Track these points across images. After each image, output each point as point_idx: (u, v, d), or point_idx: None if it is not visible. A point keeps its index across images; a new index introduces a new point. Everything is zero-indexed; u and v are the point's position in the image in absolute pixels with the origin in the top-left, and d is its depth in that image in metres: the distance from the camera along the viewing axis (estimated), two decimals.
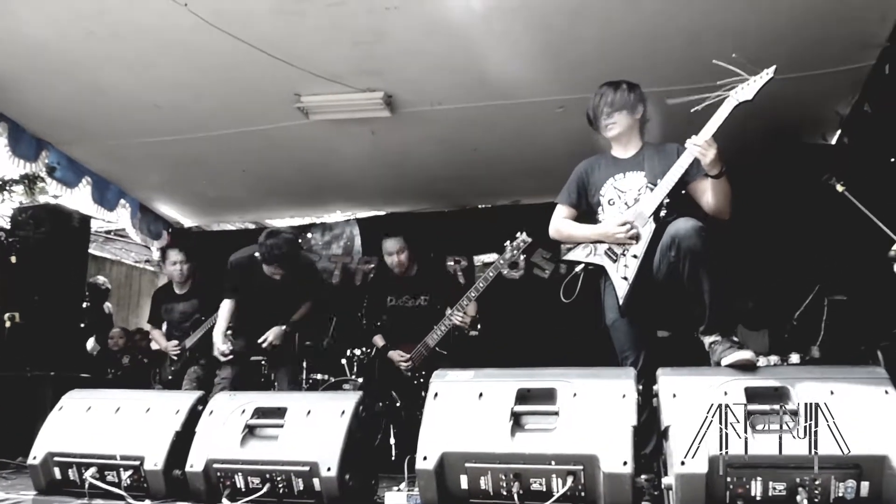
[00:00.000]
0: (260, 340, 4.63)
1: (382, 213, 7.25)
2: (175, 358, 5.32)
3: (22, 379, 4.90)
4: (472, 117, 5.20)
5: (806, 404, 2.37)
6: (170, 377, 5.33)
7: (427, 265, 5.45)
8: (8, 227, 5.34)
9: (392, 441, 4.69)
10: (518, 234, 4.68)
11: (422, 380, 4.80)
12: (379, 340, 5.07)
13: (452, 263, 6.82)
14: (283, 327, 4.68)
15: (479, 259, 6.79)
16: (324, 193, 6.85)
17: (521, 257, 4.81)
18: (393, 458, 4.50)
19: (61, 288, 5.40)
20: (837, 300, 4.17)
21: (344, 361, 5.49)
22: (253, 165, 6.09)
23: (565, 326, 6.17)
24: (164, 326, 5.63)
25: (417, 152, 5.81)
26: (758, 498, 2.30)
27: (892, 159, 3.92)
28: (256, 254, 4.51)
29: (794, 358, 4.00)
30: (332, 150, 5.78)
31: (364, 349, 5.45)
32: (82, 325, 5.93)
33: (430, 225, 6.83)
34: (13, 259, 5.09)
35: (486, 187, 6.58)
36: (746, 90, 2.92)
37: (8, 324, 4.99)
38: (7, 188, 5.03)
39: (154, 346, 5.95)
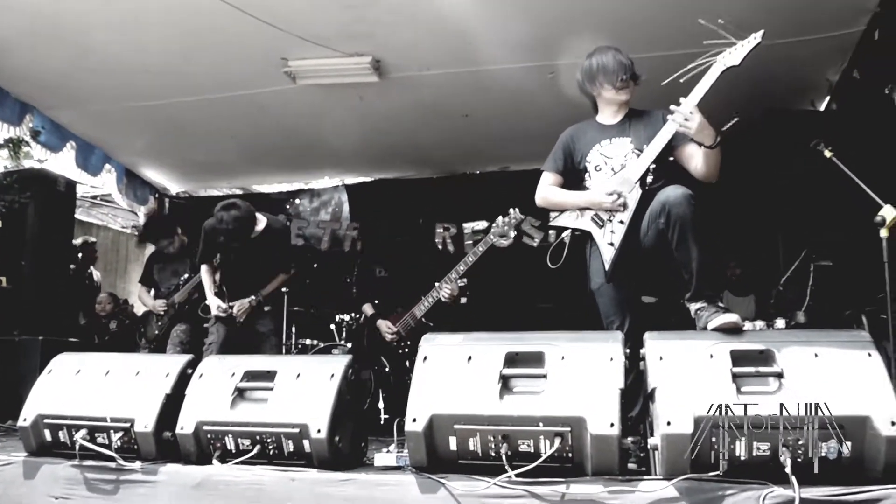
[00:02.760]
0: (232, 310, 4.58)
1: (371, 178, 7.21)
2: (162, 313, 5.31)
3: (10, 343, 4.89)
4: (462, 83, 5.18)
5: (790, 366, 2.42)
6: (156, 332, 5.35)
7: (417, 236, 5.46)
8: None
9: (381, 405, 4.74)
10: (511, 210, 4.68)
11: (407, 350, 4.85)
12: (368, 309, 5.10)
13: (441, 230, 6.83)
14: (251, 299, 4.60)
15: (469, 226, 6.80)
16: (312, 159, 6.82)
17: (513, 232, 4.81)
18: (382, 423, 4.55)
19: (49, 252, 5.38)
20: (823, 266, 4.21)
21: (333, 327, 5.51)
22: (241, 131, 6.05)
23: (554, 293, 6.25)
24: (153, 291, 5.64)
25: (406, 118, 5.78)
26: (742, 458, 2.32)
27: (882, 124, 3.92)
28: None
29: (780, 323, 4.05)
30: (319, 116, 5.74)
31: (353, 315, 5.48)
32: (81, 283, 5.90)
33: (419, 191, 6.84)
34: None
35: (475, 154, 6.57)
36: (734, 55, 2.91)
37: None
38: None
39: (139, 308, 5.95)
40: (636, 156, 3.13)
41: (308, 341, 5.54)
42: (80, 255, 6.53)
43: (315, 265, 5.48)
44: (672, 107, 2.96)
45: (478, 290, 5.51)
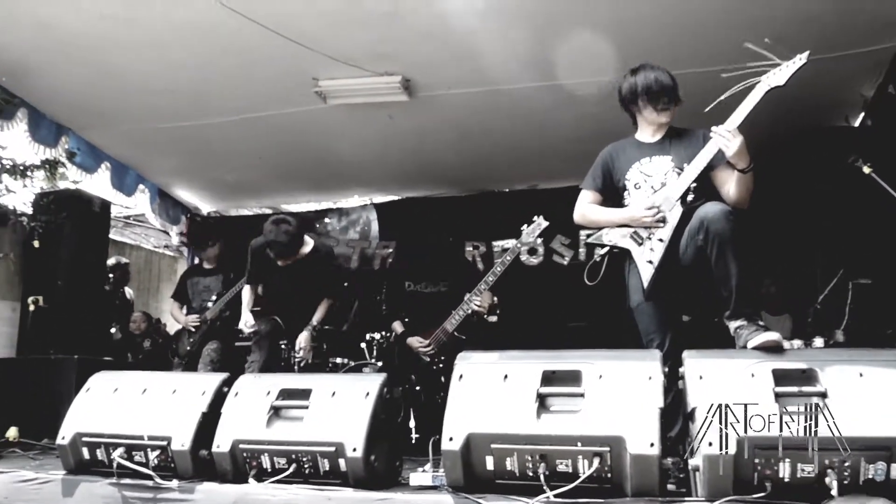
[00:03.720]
0: (296, 351, 4.67)
1: (400, 197, 7.23)
2: (193, 330, 5.35)
3: (46, 362, 4.95)
4: (488, 101, 5.20)
5: (834, 385, 2.37)
6: (188, 348, 5.38)
7: (446, 251, 5.45)
8: (30, 212, 5.37)
9: (412, 424, 4.71)
10: (535, 218, 4.67)
11: (441, 365, 4.83)
12: (398, 327, 5.10)
13: (471, 249, 6.82)
14: (310, 332, 4.70)
15: (498, 245, 6.79)
16: (340, 178, 6.86)
17: (539, 241, 4.80)
18: (413, 442, 4.53)
19: (83, 272, 5.45)
20: (862, 283, 4.14)
21: (363, 345, 5.49)
22: (270, 151, 6.10)
23: (586, 312, 6.20)
24: (185, 308, 5.68)
25: (435, 137, 5.80)
26: (786, 480, 2.28)
27: None
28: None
29: (819, 342, 3.97)
30: (349, 135, 5.78)
31: (383, 333, 5.47)
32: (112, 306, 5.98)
33: (448, 210, 6.85)
34: (36, 244, 5.14)
35: (503, 172, 6.56)
36: (778, 75, 2.89)
37: (32, 307, 5.05)
38: (28, 173, 5.05)
39: (172, 328, 5.99)
40: (676, 174, 3.12)
41: (339, 360, 5.52)
42: (111, 275, 6.60)
43: (346, 283, 5.49)
44: (713, 128, 2.95)
45: (509, 308, 5.48)
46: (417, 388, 4.88)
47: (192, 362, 5.25)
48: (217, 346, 5.28)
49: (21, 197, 5.32)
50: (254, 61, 4.74)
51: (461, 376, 2.70)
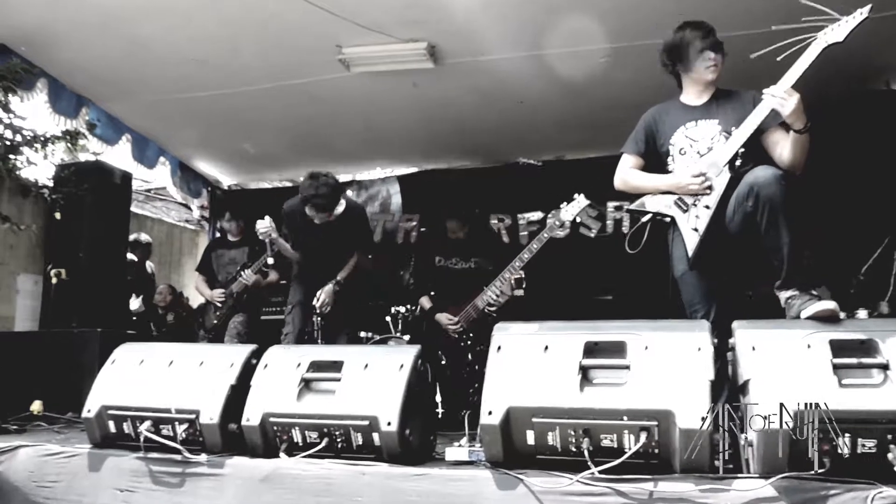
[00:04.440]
0: (314, 303, 4.57)
1: (423, 169, 7.09)
2: (220, 304, 5.28)
3: (68, 335, 4.90)
4: (517, 69, 5.04)
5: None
6: (214, 322, 5.29)
7: (477, 227, 5.35)
8: (51, 184, 5.30)
9: (438, 399, 4.64)
10: (576, 196, 4.54)
11: (469, 342, 4.75)
12: (426, 302, 5.01)
13: (496, 222, 6.69)
14: (333, 285, 4.59)
15: (524, 217, 6.64)
16: (364, 149, 6.73)
17: (569, 221, 4.67)
18: (439, 417, 4.45)
19: (105, 245, 5.39)
20: None
21: (388, 319, 5.41)
22: (293, 121, 6.00)
23: (612, 285, 6.08)
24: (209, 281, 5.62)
25: (460, 105, 5.66)
26: (845, 455, 2.16)
27: None
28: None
29: (862, 314, 3.82)
30: (372, 104, 5.66)
31: (409, 306, 5.38)
32: (128, 280, 5.92)
33: (473, 182, 6.71)
34: (58, 216, 5.08)
35: (529, 142, 6.40)
36: (837, 31, 2.70)
37: (54, 280, 4.99)
38: (49, 144, 4.97)
39: (195, 301, 5.92)
40: (724, 138, 2.97)
41: (363, 334, 5.44)
42: (132, 253, 6.54)
43: (370, 256, 5.39)
44: (766, 90, 2.78)
45: (535, 281, 5.37)
46: (443, 362, 4.80)
47: (218, 335, 5.17)
48: (244, 319, 5.19)
49: (42, 169, 5.25)
50: (278, 29, 4.62)
51: (499, 348, 2.60)
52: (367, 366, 2.75)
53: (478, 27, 4.57)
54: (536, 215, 6.58)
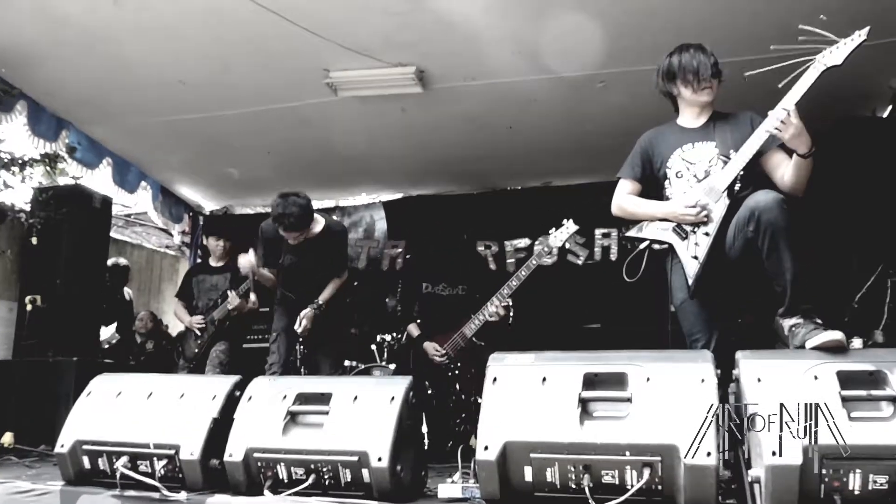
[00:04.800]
0: (295, 327, 4.42)
1: (409, 194, 7.01)
2: (199, 332, 5.13)
3: (44, 364, 4.74)
4: (507, 93, 5.00)
5: None
6: (195, 350, 5.14)
7: (465, 254, 5.27)
8: (28, 208, 5.15)
9: (424, 430, 4.51)
10: (564, 221, 4.48)
11: (457, 371, 4.65)
12: (414, 330, 4.90)
13: (483, 248, 6.61)
14: (314, 308, 4.44)
15: (511, 244, 6.57)
16: (349, 174, 6.64)
17: (557, 248, 4.61)
18: (425, 448, 4.33)
19: (83, 271, 5.23)
20: None
21: (374, 347, 5.30)
22: (278, 145, 5.91)
23: (600, 313, 6.01)
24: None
25: (448, 131, 5.61)
26: (856, 492, 2.08)
27: None
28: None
29: (857, 343, 3.76)
30: (359, 129, 5.59)
31: (395, 335, 5.27)
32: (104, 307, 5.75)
33: (459, 208, 6.64)
34: (34, 240, 4.93)
35: (517, 168, 6.36)
36: (835, 54, 2.66)
37: (29, 307, 4.83)
38: (28, 167, 4.83)
39: (175, 329, 5.76)
40: (722, 162, 2.91)
41: (347, 363, 5.31)
42: (109, 277, 6.37)
43: (356, 283, 5.29)
44: (771, 112, 2.74)
45: (522, 309, 5.28)
46: (429, 392, 4.68)
47: (199, 365, 5.02)
48: (225, 348, 5.03)
49: (19, 192, 5.11)
50: (266, 51, 4.55)
51: (495, 379, 2.50)
52: (356, 398, 2.64)
53: (468, 51, 4.52)
54: (524, 242, 6.52)
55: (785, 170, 2.82)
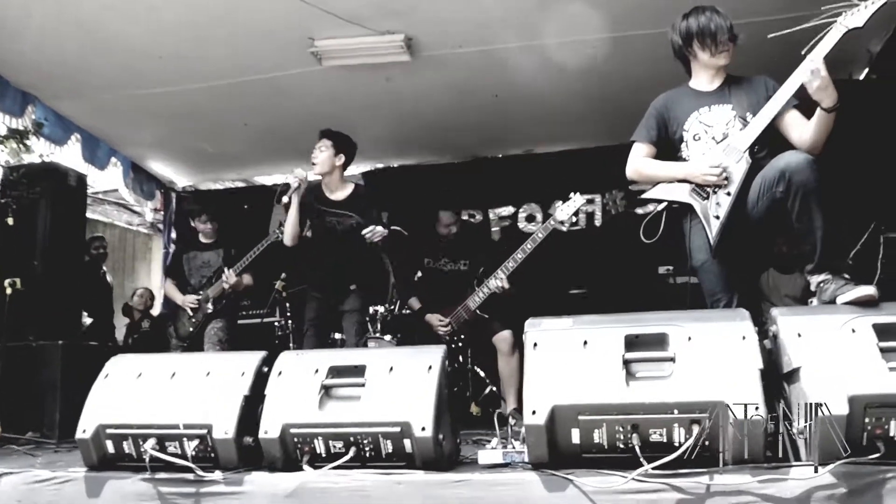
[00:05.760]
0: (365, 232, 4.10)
1: (389, 165, 6.91)
2: (194, 310, 5.01)
3: (27, 349, 4.56)
4: (495, 61, 4.96)
5: None
6: (190, 329, 5.02)
7: (469, 229, 5.24)
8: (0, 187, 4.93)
9: None
10: (571, 195, 4.48)
11: (460, 343, 4.64)
12: (415, 303, 4.88)
13: (467, 217, 6.58)
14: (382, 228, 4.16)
15: (495, 213, 6.57)
16: None
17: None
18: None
19: (61, 251, 5.02)
20: (893, 237, 4.07)
21: (367, 319, 5.24)
22: (256, 118, 5.78)
23: (585, 279, 6.07)
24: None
25: (433, 100, 5.55)
26: None
27: None
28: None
29: None
30: (341, 100, 5.49)
31: (386, 306, 5.23)
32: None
33: (442, 177, 6.59)
34: (10, 221, 4.71)
35: (500, 136, 6.33)
36: (857, 16, 2.70)
37: (9, 290, 4.62)
38: None
39: (157, 308, 5.60)
40: (740, 123, 2.93)
41: (337, 335, 5.24)
42: (90, 251, 6.14)
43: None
44: (804, 63, 2.74)
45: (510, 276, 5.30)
46: None
47: (193, 343, 4.90)
48: (223, 325, 4.93)
49: None
50: (247, 21, 4.43)
51: (535, 344, 2.49)
52: (391, 369, 2.61)
53: (459, 17, 4.47)
54: (507, 210, 6.52)
55: (801, 129, 2.85)
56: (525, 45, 4.78)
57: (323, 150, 4.34)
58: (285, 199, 4.33)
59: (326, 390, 2.62)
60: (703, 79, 3.09)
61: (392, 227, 4.41)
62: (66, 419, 4.11)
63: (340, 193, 4.38)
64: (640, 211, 3.14)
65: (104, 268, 6.61)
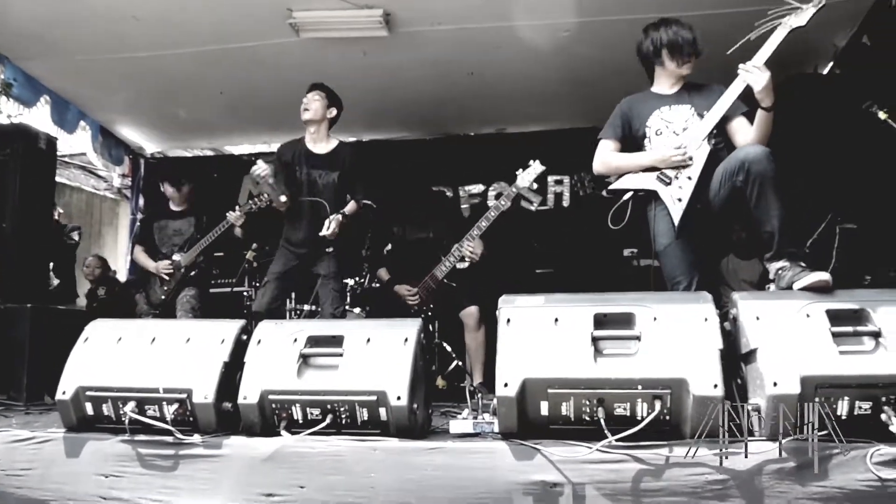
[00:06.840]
0: (323, 232, 4.11)
1: (361, 139, 6.94)
2: (167, 278, 5.02)
3: None
4: (472, 39, 5.00)
5: (886, 325, 2.40)
6: (162, 297, 5.01)
7: (434, 199, 5.30)
8: None
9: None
10: (531, 162, 4.57)
11: (429, 313, 4.72)
12: (384, 274, 4.94)
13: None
14: (339, 216, 4.17)
15: (465, 190, 6.65)
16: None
17: (535, 185, 4.67)
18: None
19: (30, 214, 4.96)
20: (848, 228, 4.26)
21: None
22: (232, 86, 5.74)
23: (552, 259, 6.21)
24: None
25: (408, 76, 5.57)
26: (843, 417, 2.32)
27: None
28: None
29: None
30: (317, 72, 5.38)
31: (358, 279, 5.29)
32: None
33: (413, 153, 6.64)
34: None
35: (473, 115, 6.39)
36: (800, 17, 2.99)
37: None
38: None
39: (122, 274, 5.57)
40: (698, 118, 3.18)
41: (307, 307, 5.31)
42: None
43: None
44: (742, 65, 3.03)
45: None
46: None
47: (165, 311, 4.90)
48: (196, 293, 4.93)
49: None
50: None
51: (509, 320, 2.60)
52: (369, 340, 2.70)
53: None
54: (478, 188, 6.61)
55: (746, 133, 3.11)
56: (502, 26, 4.83)
57: (316, 100, 4.40)
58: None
59: (305, 359, 2.71)
60: (665, 84, 3.35)
61: (364, 201, 4.43)
62: (33, 382, 4.11)
63: (324, 146, 4.43)
64: (606, 194, 3.30)
65: (68, 224, 6.51)
